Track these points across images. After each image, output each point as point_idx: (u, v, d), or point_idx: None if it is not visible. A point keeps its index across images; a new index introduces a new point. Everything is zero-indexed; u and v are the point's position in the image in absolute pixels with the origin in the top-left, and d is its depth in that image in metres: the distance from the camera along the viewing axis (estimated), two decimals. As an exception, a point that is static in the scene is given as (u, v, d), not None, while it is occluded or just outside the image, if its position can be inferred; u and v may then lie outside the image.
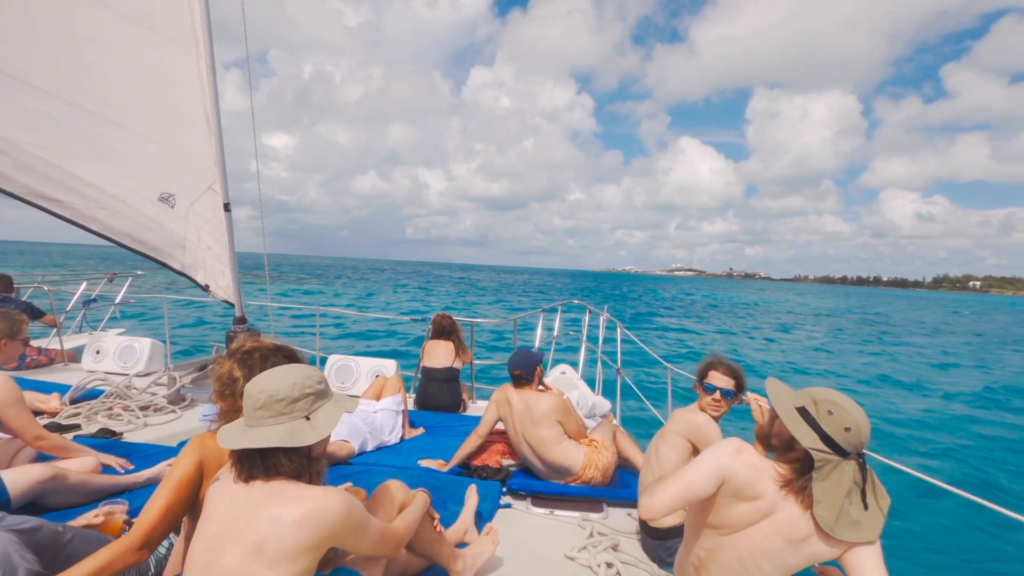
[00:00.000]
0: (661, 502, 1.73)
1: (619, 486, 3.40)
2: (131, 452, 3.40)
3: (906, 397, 13.36)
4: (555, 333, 7.52)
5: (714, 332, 27.79)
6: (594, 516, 3.08)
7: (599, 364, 6.39)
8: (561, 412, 3.40)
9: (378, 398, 4.44)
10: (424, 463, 3.71)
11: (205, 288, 4.56)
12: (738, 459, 1.71)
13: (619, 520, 3.08)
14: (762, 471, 1.69)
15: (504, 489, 3.37)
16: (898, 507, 6.21)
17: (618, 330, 6.37)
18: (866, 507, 1.58)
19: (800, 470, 1.64)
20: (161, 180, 4.17)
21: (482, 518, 2.92)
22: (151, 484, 2.93)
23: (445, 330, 5.31)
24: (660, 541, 2.59)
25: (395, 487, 2.12)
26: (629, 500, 3.23)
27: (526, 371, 3.53)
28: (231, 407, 1.80)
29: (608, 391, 6.31)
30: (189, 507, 1.81)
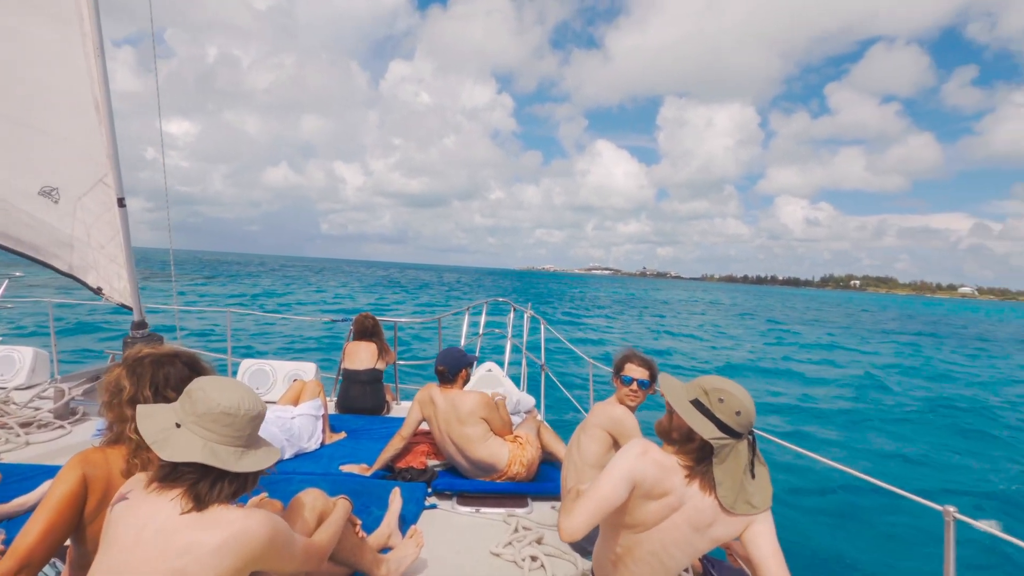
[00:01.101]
0: (580, 522, 1.73)
1: (543, 480, 3.40)
2: (8, 474, 3.00)
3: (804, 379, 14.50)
4: (480, 331, 7.48)
5: (631, 326, 28.88)
6: (519, 511, 3.07)
7: (523, 361, 6.42)
8: (486, 409, 3.36)
9: (296, 403, 4.20)
10: (346, 468, 3.55)
11: (97, 291, 4.11)
12: (645, 460, 1.75)
13: (543, 513, 3.09)
14: (668, 468, 1.75)
15: (429, 490, 3.29)
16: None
17: (542, 327, 6.43)
18: (754, 477, 1.71)
19: (700, 458, 1.72)
20: (42, 172, 3.71)
21: (406, 521, 2.82)
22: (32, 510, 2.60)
23: (367, 331, 5.13)
24: (578, 542, 2.61)
25: (313, 496, 1.99)
26: (553, 493, 3.25)
27: (450, 369, 3.47)
28: (118, 418, 1.62)
29: (533, 387, 6.36)
30: (72, 530, 1.60)
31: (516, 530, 2.81)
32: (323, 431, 4.12)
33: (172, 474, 1.36)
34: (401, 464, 3.57)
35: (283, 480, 3.18)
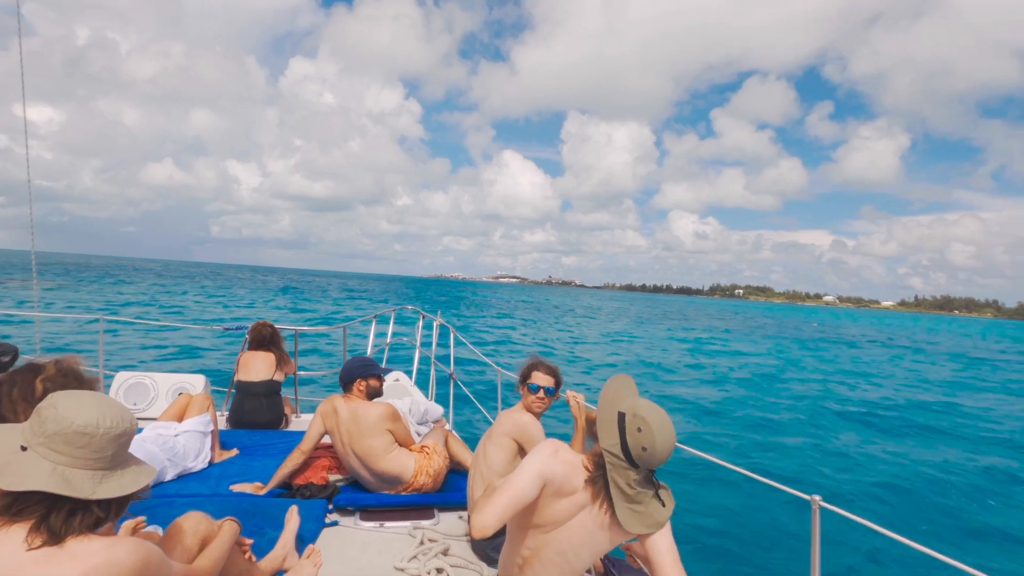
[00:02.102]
0: (491, 517, 1.73)
1: (450, 490, 3.35)
2: None
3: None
4: (388, 340, 7.28)
5: (539, 334, 29.46)
6: (425, 523, 3.00)
7: (432, 369, 6.33)
8: (391, 420, 3.26)
9: (181, 419, 3.83)
10: (237, 488, 3.28)
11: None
12: (556, 459, 1.80)
13: (450, 524, 3.04)
14: (577, 467, 1.81)
15: (330, 506, 3.13)
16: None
17: (451, 335, 6.38)
18: (663, 504, 1.75)
19: (602, 466, 1.76)
20: None
21: (304, 540, 2.66)
22: None
23: (265, 340, 4.80)
24: (488, 540, 2.60)
25: (195, 520, 1.81)
26: (460, 503, 3.21)
27: (345, 378, 3.34)
28: None
29: (442, 396, 6.29)
30: None
31: (422, 543, 2.74)
32: (212, 448, 3.80)
33: (16, 505, 1.16)
34: (300, 480, 3.37)
35: (163, 504, 2.88)
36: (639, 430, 1.68)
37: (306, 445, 3.33)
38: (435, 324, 6.79)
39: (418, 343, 6.79)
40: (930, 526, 6.59)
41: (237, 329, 6.18)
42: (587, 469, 1.80)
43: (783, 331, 48.36)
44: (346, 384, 3.34)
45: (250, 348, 4.78)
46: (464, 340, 6.16)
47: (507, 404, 3.67)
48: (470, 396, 6.12)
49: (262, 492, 3.23)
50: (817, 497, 1.88)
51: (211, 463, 3.74)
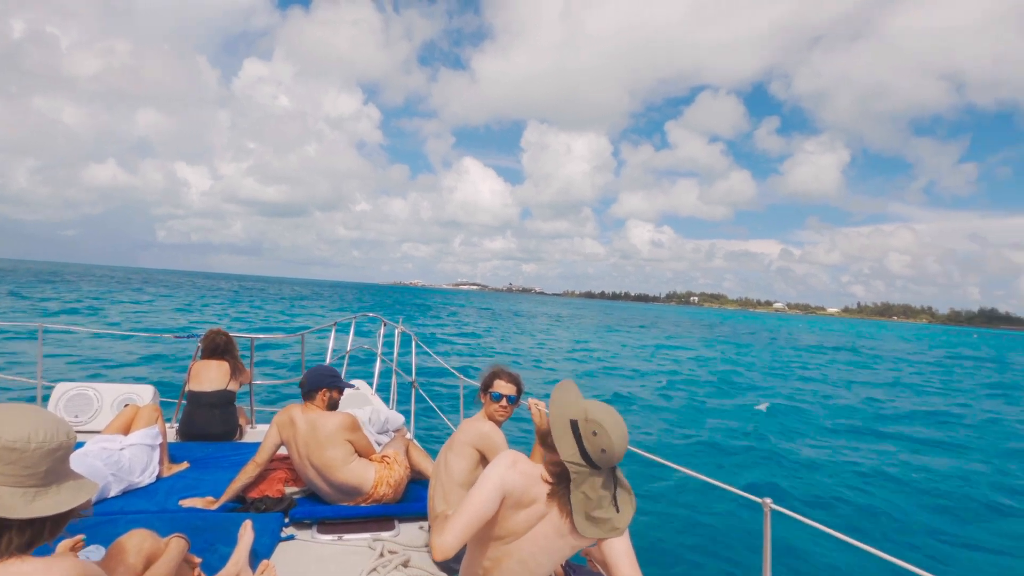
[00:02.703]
0: (452, 538, 1.72)
1: (411, 500, 3.29)
2: None
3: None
4: (348, 348, 7.14)
5: (501, 341, 29.44)
6: (385, 535, 2.94)
7: (394, 377, 6.23)
8: (350, 430, 3.19)
9: (127, 432, 3.65)
10: (187, 503, 3.15)
11: None
12: (514, 471, 1.80)
13: (411, 535, 2.99)
14: (536, 477, 1.81)
15: (287, 520, 3.03)
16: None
17: (412, 343, 6.30)
18: (618, 510, 1.75)
19: (561, 476, 1.75)
20: None
21: (259, 556, 2.57)
22: None
23: (219, 348, 4.63)
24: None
25: (140, 537, 1.72)
26: (421, 513, 3.15)
27: (306, 386, 3.26)
28: None
29: (404, 404, 6.19)
30: None
31: (381, 555, 2.69)
32: (160, 462, 3.62)
33: None
34: (254, 494, 3.24)
35: (107, 522, 2.73)
36: (594, 434, 1.69)
37: (261, 457, 3.22)
38: (397, 332, 6.69)
39: (379, 351, 6.68)
40: (876, 526, 6.88)
41: (189, 337, 5.95)
42: (546, 481, 1.79)
43: (737, 337, 49.86)
44: (309, 393, 3.26)
45: (203, 357, 4.61)
46: (426, 348, 6.09)
47: (469, 412, 3.64)
48: (432, 405, 6.05)
49: (214, 507, 3.10)
50: (768, 500, 1.93)
51: (159, 478, 3.56)
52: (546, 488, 1.78)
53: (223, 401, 4.49)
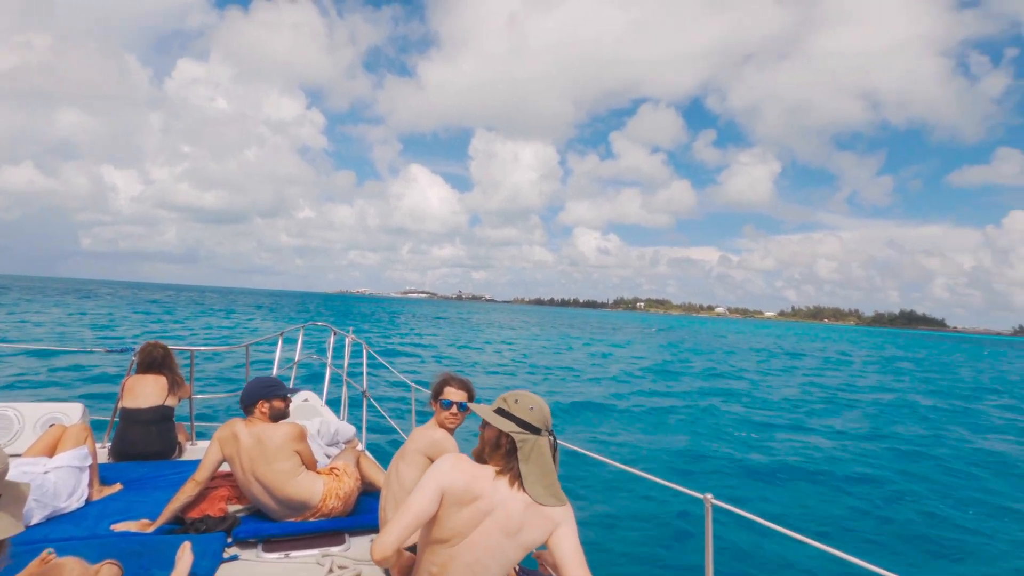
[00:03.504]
0: (389, 537, 1.74)
1: (362, 513, 3.21)
2: None
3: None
4: (296, 358, 6.91)
5: (454, 348, 29.22)
6: (335, 549, 2.85)
7: (344, 388, 6.07)
8: (298, 440, 3.08)
9: (52, 453, 3.39)
10: (120, 527, 2.95)
11: None
12: (455, 470, 1.82)
13: (362, 549, 2.90)
14: (478, 474, 1.83)
15: (229, 539, 2.88)
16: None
17: (364, 352, 6.17)
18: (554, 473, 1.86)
19: (507, 456, 1.82)
20: None
21: (199, 579, 2.44)
22: None
23: (156, 362, 4.37)
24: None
25: (69, 566, 1.61)
26: (372, 526, 3.07)
27: (244, 400, 3.12)
28: None
29: (355, 415, 6.05)
30: None
31: (331, 570, 2.61)
32: (90, 485, 3.39)
33: None
34: (194, 514, 3.08)
35: (29, 552, 2.53)
36: (516, 401, 1.87)
37: (201, 474, 3.05)
38: (347, 341, 6.53)
39: (329, 361, 6.50)
40: (809, 515, 7.22)
41: (122, 351, 5.61)
42: (495, 468, 1.84)
43: (681, 339, 51.44)
44: (247, 407, 3.12)
45: (138, 371, 4.35)
46: (378, 357, 5.98)
47: (422, 421, 3.60)
48: (383, 414, 5.94)
49: (150, 530, 2.92)
50: (709, 495, 1.99)
51: (89, 501, 3.33)
52: (491, 483, 1.80)
53: (160, 417, 4.25)
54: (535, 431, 1.83)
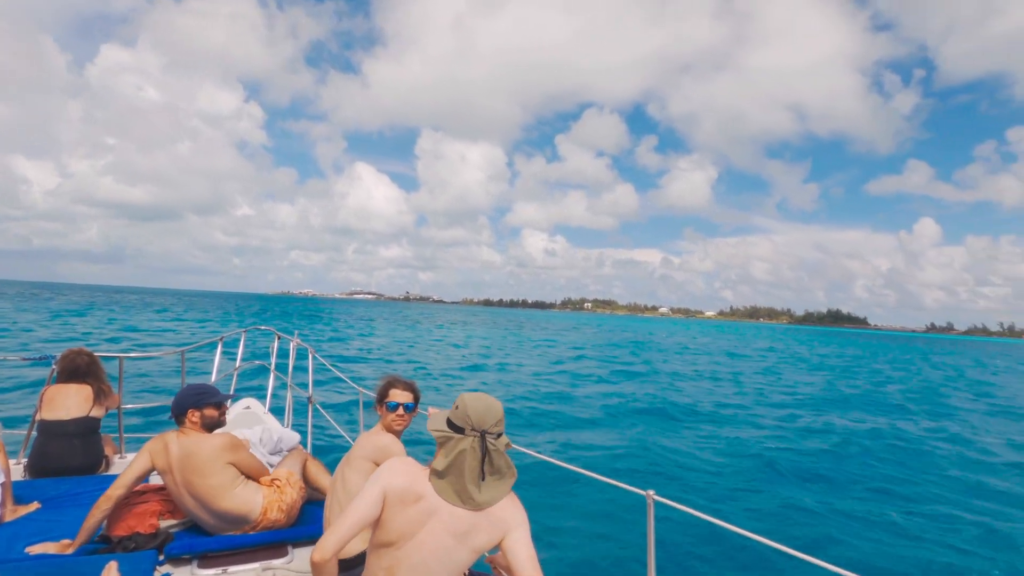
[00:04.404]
0: (330, 541, 1.71)
1: (306, 523, 3.09)
2: None
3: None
4: (237, 364, 6.61)
5: (403, 349, 28.75)
6: (277, 562, 2.73)
7: (289, 394, 5.86)
8: (231, 451, 2.93)
9: (-43, 473, 3.09)
10: (36, 549, 2.71)
11: None
12: (398, 471, 1.81)
13: (306, 560, 2.78)
14: (419, 474, 1.82)
15: (161, 557, 2.72)
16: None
17: (309, 356, 5.98)
18: (483, 478, 1.79)
19: (447, 453, 1.82)
20: None
21: (126, 601, 2.28)
22: None
23: (79, 370, 4.07)
24: (349, 572, 2.45)
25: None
26: (316, 537, 2.96)
27: (173, 409, 2.96)
28: None
29: (300, 422, 5.84)
30: None
31: (272, 584, 2.50)
32: (3, 504, 3.11)
33: None
34: (121, 531, 2.88)
35: (-73, 582, 2.29)
36: (456, 407, 1.85)
37: (117, 488, 2.80)
38: (292, 345, 6.31)
39: (272, 366, 6.25)
40: (746, 508, 7.54)
41: (41, 359, 5.20)
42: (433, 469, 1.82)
43: (634, 339, 52.71)
44: (177, 417, 2.95)
45: (59, 381, 4.03)
46: (324, 361, 5.81)
47: (370, 426, 3.51)
48: (330, 420, 5.77)
49: (69, 551, 2.71)
50: (651, 492, 2.04)
51: (1, 523, 3.05)
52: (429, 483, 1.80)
53: (85, 430, 3.95)
54: (459, 431, 1.80)
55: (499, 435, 1.83)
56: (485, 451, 1.78)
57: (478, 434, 1.79)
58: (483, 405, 1.83)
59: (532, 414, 12.91)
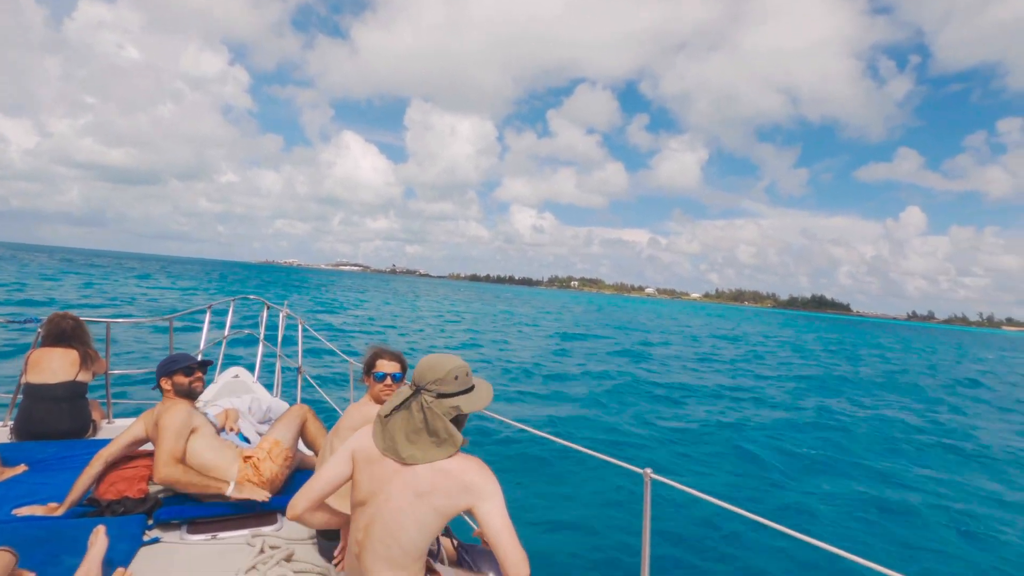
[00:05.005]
0: (301, 498, 1.87)
1: (296, 490, 3.06)
2: None
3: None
4: (226, 333, 6.54)
5: (392, 321, 28.72)
6: (266, 529, 2.72)
7: (278, 364, 5.81)
8: (186, 423, 2.89)
9: (-60, 434, 3.04)
10: (23, 511, 2.68)
11: None
12: (365, 431, 1.89)
13: (295, 527, 2.79)
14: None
15: (150, 521, 2.69)
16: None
17: (299, 326, 5.93)
18: (416, 434, 1.78)
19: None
20: None
21: (114, 564, 2.25)
22: None
23: (65, 334, 3.99)
24: (335, 541, 2.44)
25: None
26: None
27: (156, 383, 2.95)
28: None
29: (290, 392, 5.81)
30: None
31: (262, 551, 2.49)
32: (-12, 467, 3.07)
33: None
34: (111, 495, 2.85)
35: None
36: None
37: (111, 450, 2.82)
38: (281, 315, 6.24)
39: (262, 336, 6.19)
40: (745, 486, 7.68)
41: (26, 322, 5.10)
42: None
43: (625, 320, 53.05)
44: (158, 388, 2.95)
45: (44, 344, 3.95)
46: (313, 332, 5.76)
47: (360, 397, 3.48)
48: (320, 392, 5.74)
49: (58, 513, 2.68)
50: (648, 470, 2.04)
51: (-14, 485, 3.01)
52: None
53: (71, 394, 3.90)
54: (416, 389, 1.83)
55: (439, 395, 1.79)
56: (420, 407, 1.79)
57: (415, 388, 1.83)
58: (427, 362, 1.84)
59: (526, 392, 13.00)
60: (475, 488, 1.74)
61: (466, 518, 2.07)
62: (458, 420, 1.83)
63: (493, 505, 1.75)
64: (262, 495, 2.83)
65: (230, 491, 2.77)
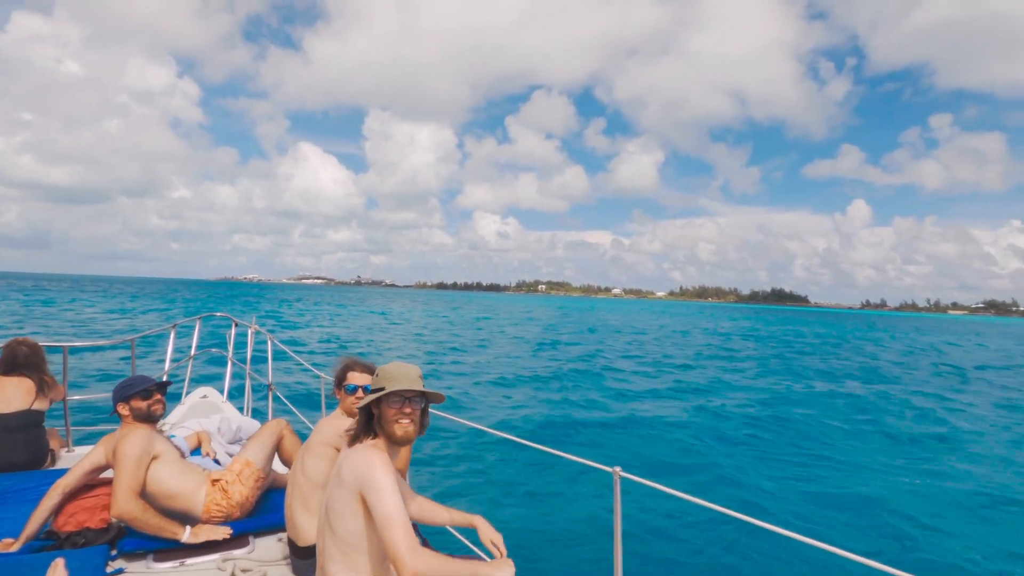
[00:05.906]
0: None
1: (267, 512, 2.97)
2: None
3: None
4: (192, 352, 6.32)
5: (360, 334, 28.28)
6: (237, 552, 2.62)
7: (248, 382, 5.64)
8: (147, 450, 2.72)
9: None
10: (-24, 549, 2.53)
11: None
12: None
13: (268, 549, 2.70)
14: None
15: (114, 552, 2.57)
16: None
17: (268, 343, 5.78)
18: None
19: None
20: None
21: (77, 599, 2.14)
22: None
23: (19, 361, 3.80)
24: (310, 560, 2.37)
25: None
26: (279, 525, 2.82)
27: (113, 407, 2.79)
28: None
29: (261, 410, 5.65)
30: None
31: (233, 575, 2.40)
32: (-63, 505, 2.87)
33: None
34: (71, 527, 2.70)
35: None
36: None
37: (68, 479, 2.66)
38: (250, 332, 6.07)
39: (230, 354, 6.01)
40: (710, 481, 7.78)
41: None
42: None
43: (592, 322, 53.46)
44: (115, 414, 2.80)
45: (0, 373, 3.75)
46: (283, 347, 5.62)
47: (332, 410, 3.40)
48: (291, 408, 5.60)
49: (13, 548, 2.53)
50: (618, 468, 2.05)
51: (-65, 524, 2.82)
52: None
53: (27, 423, 3.70)
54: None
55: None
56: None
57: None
58: (390, 367, 2.02)
59: (489, 394, 12.95)
60: (359, 475, 1.83)
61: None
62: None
63: (375, 498, 1.80)
64: (221, 534, 2.65)
65: (185, 537, 2.58)
